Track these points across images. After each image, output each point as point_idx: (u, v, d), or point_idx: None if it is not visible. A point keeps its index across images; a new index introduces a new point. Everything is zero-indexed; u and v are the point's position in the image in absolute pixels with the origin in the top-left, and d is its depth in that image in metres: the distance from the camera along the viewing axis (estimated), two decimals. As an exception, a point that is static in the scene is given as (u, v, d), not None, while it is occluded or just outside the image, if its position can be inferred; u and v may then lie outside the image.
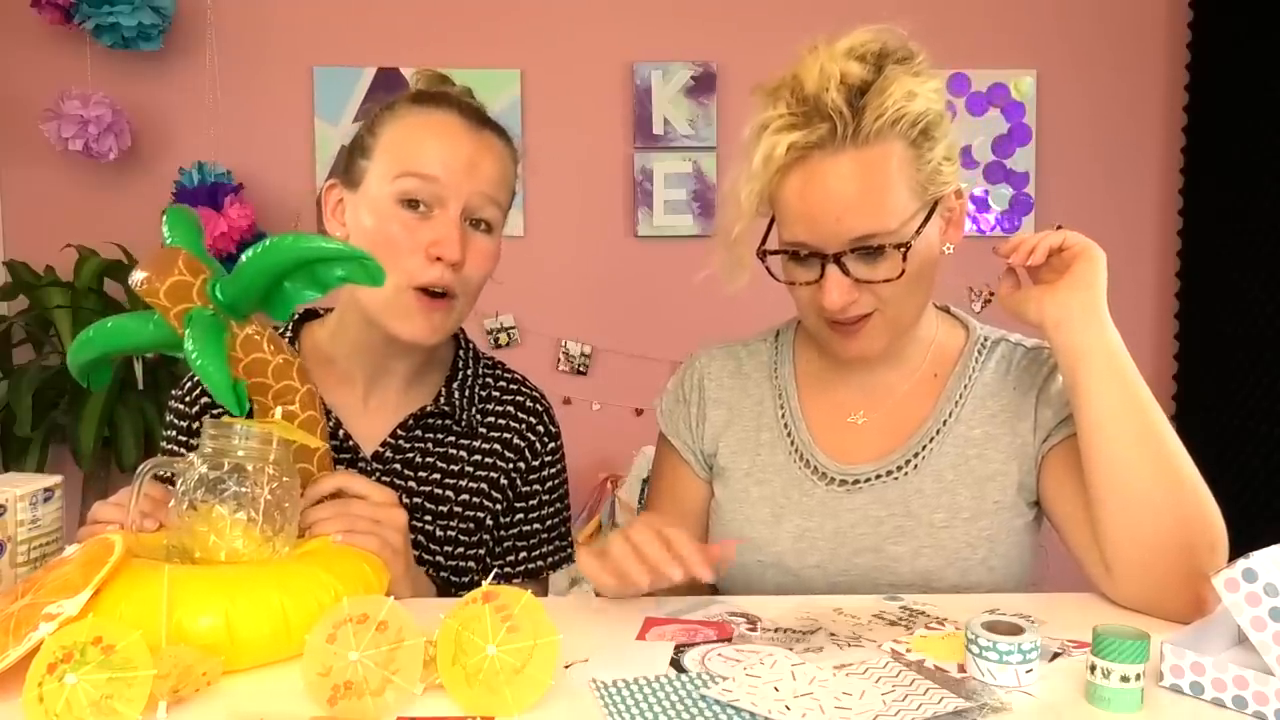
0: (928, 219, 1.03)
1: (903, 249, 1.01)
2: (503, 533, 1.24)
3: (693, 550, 0.92)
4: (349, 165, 1.15)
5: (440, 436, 1.20)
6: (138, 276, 0.93)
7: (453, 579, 1.19)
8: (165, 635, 0.76)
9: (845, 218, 1.00)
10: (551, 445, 1.27)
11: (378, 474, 1.16)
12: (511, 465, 1.23)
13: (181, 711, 0.74)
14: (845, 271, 1.02)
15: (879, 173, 1.00)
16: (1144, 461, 0.96)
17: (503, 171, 1.14)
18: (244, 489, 0.88)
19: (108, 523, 0.94)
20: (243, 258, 0.92)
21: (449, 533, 1.19)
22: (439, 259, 1.08)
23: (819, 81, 1.00)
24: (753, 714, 0.74)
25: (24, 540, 0.97)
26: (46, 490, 0.99)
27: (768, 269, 1.08)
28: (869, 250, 1.01)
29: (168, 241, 0.97)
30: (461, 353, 1.25)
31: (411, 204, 1.09)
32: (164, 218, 0.99)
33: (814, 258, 1.03)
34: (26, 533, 0.97)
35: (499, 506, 1.22)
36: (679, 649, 0.88)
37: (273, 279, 0.93)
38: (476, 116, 1.14)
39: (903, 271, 1.02)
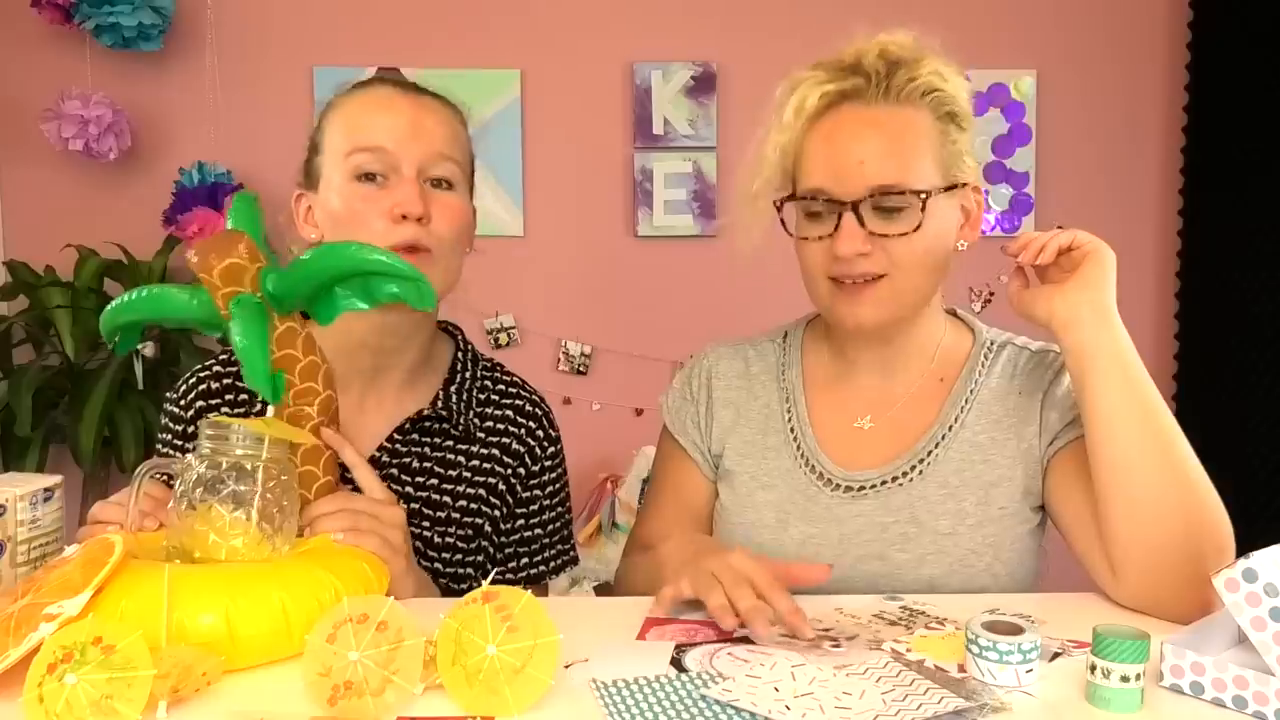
0: (948, 191, 1.05)
1: (923, 196, 1.02)
2: (504, 539, 1.23)
3: (792, 610, 0.89)
4: (307, 169, 1.18)
5: (438, 441, 1.20)
6: (194, 253, 0.94)
7: (451, 586, 1.17)
8: (165, 635, 0.76)
9: (869, 163, 1.02)
10: (551, 450, 1.26)
11: None
12: (510, 471, 1.22)
13: (181, 711, 0.74)
14: (861, 222, 1.03)
15: (907, 131, 1.04)
16: (1151, 462, 0.96)
17: (450, 129, 1.16)
18: (242, 488, 0.88)
19: (108, 523, 0.94)
20: (302, 255, 0.94)
21: (447, 539, 1.17)
22: (404, 217, 1.09)
23: (859, 51, 1.05)
24: (753, 714, 0.74)
25: (24, 540, 0.97)
26: (46, 490, 0.99)
27: (782, 222, 1.10)
28: (888, 207, 1.03)
29: (230, 225, 1.00)
30: (459, 354, 1.25)
31: (368, 177, 1.11)
32: (230, 202, 1.01)
33: (832, 207, 1.04)
34: (26, 533, 0.97)
35: (498, 513, 1.21)
36: (679, 649, 0.88)
37: (326, 282, 0.95)
38: (413, 88, 1.17)
39: (919, 225, 1.03)
